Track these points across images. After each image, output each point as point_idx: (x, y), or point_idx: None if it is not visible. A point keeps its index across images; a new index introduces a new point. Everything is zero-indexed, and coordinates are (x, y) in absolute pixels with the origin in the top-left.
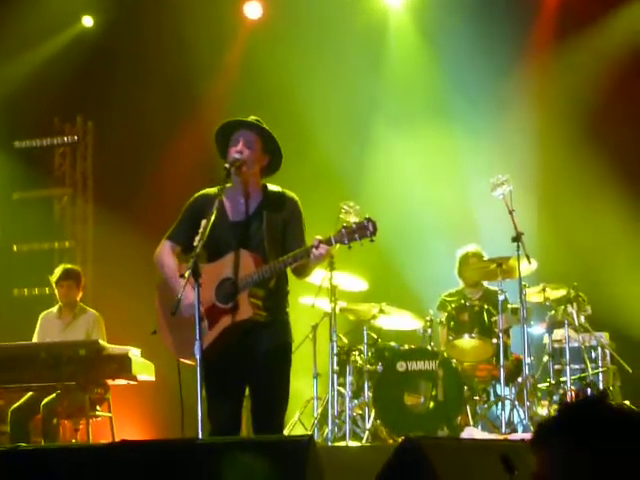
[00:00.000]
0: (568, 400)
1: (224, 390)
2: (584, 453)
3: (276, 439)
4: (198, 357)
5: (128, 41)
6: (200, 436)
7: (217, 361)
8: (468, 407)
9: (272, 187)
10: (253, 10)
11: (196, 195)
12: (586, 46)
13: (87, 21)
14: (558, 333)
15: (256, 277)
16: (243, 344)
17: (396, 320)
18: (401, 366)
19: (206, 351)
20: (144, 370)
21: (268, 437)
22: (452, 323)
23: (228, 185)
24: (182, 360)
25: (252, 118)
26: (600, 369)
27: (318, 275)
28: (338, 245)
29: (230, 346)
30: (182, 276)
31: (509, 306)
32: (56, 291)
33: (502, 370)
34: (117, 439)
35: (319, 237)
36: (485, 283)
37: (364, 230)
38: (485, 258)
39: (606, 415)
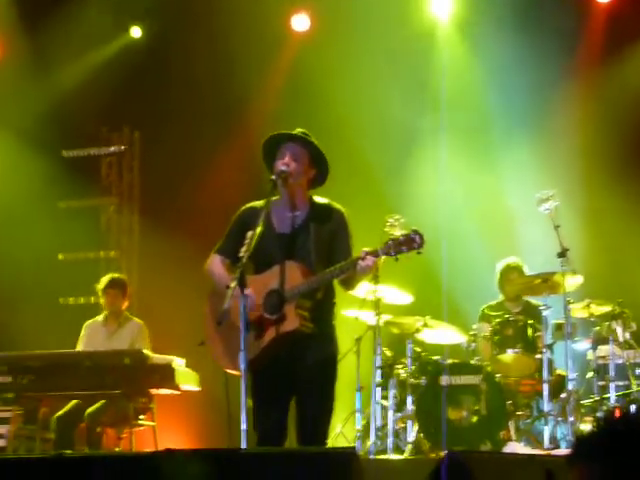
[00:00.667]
0: (606, 417)
1: (271, 400)
2: (622, 472)
3: (321, 450)
4: (242, 368)
5: (176, 52)
6: (244, 446)
7: (264, 371)
8: (511, 422)
9: (319, 199)
10: (301, 22)
11: (243, 208)
12: (634, 62)
13: (135, 32)
14: (603, 349)
15: (303, 288)
16: (290, 355)
17: (440, 334)
18: (444, 380)
19: (253, 362)
20: (188, 380)
21: (313, 448)
22: (496, 338)
23: (274, 198)
24: (228, 371)
25: (299, 131)
26: None
27: (362, 288)
28: (384, 257)
29: (278, 357)
30: (228, 287)
31: (553, 321)
32: (102, 299)
33: (546, 385)
34: (160, 448)
35: (366, 249)
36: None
37: (411, 242)
38: (525, 271)
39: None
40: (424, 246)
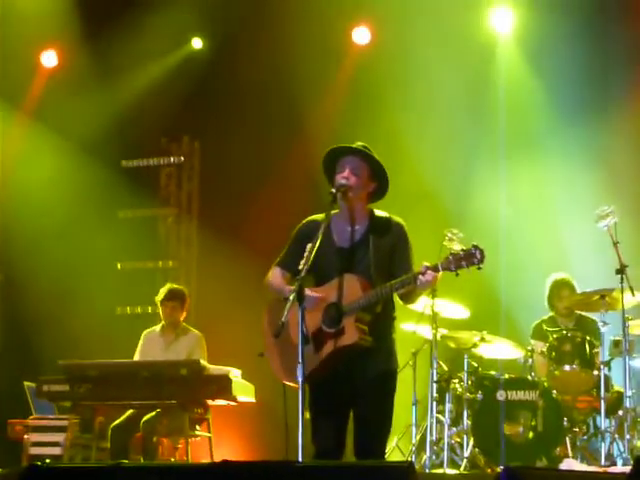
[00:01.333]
0: None
1: (329, 413)
2: None
3: (377, 464)
4: (300, 380)
5: (236, 63)
6: (300, 459)
7: (323, 384)
8: (567, 439)
9: (379, 212)
10: (362, 35)
11: (304, 221)
12: None
13: (196, 43)
14: None
15: (363, 302)
16: (349, 369)
17: (497, 349)
18: (501, 395)
19: (311, 374)
20: (244, 391)
21: (369, 462)
22: (553, 354)
23: (334, 211)
24: (287, 383)
25: (359, 144)
26: None
27: (420, 302)
28: (443, 272)
29: (336, 370)
30: (286, 299)
31: (611, 338)
32: (160, 310)
33: (603, 402)
34: (216, 459)
35: (427, 263)
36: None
37: (471, 257)
38: (575, 286)
39: None
40: (483, 261)
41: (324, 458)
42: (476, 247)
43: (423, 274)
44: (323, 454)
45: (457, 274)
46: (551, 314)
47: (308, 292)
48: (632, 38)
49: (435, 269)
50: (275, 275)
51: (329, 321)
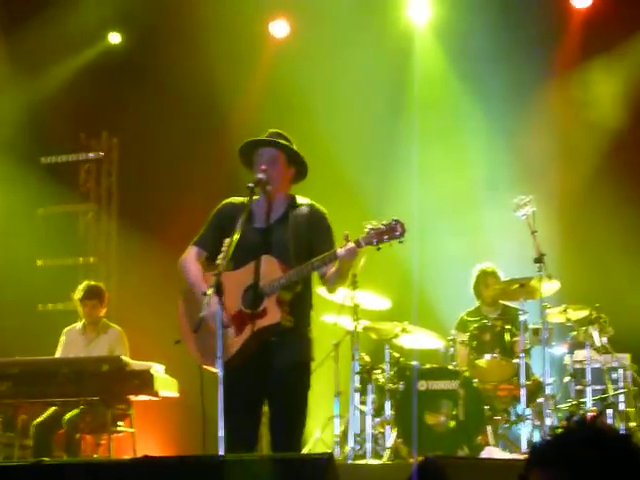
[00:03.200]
0: (566, 424)
1: (243, 405)
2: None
3: (297, 456)
4: (220, 374)
5: (154, 58)
6: (221, 452)
7: (237, 376)
8: (489, 427)
9: (300, 199)
10: (280, 28)
11: (223, 203)
12: (611, 68)
13: (114, 38)
14: (579, 354)
15: (283, 281)
16: (264, 360)
17: (418, 339)
18: (422, 385)
19: (233, 357)
20: (167, 386)
21: (289, 455)
22: (474, 343)
23: (256, 197)
24: (205, 367)
25: (272, 131)
26: (621, 390)
27: (341, 294)
28: (362, 260)
29: (251, 361)
30: (204, 294)
31: (530, 326)
32: (79, 309)
33: (523, 390)
34: (139, 455)
35: (347, 232)
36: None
37: (393, 231)
38: (501, 276)
39: (596, 444)
40: (405, 235)
41: (238, 451)
42: (397, 221)
43: (345, 248)
44: (237, 447)
45: (379, 249)
46: (477, 305)
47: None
48: (545, 26)
49: (357, 244)
50: (190, 255)
51: (250, 303)
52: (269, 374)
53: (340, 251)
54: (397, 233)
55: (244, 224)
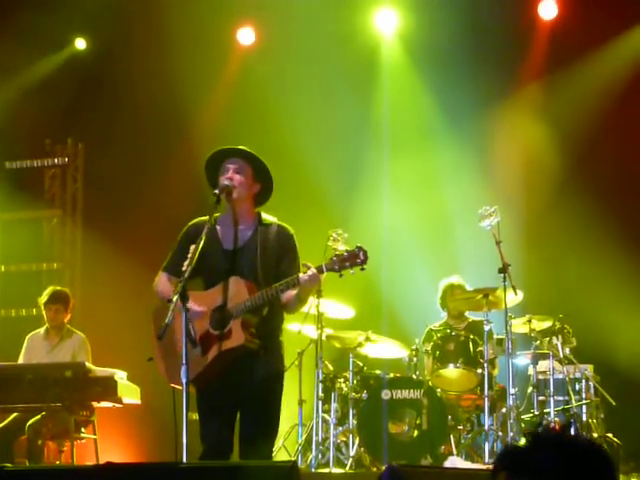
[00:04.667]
0: (533, 432)
1: (216, 414)
2: None
3: (260, 464)
4: (184, 381)
5: (121, 64)
6: (184, 459)
7: (210, 386)
8: (452, 436)
9: (267, 216)
10: (246, 36)
11: (189, 224)
12: (576, 79)
13: (80, 44)
14: (543, 364)
15: (248, 304)
16: (237, 370)
17: (382, 348)
18: (386, 394)
19: (199, 377)
20: (130, 393)
21: (253, 462)
22: (438, 352)
23: (217, 214)
24: (173, 386)
25: (241, 147)
26: (584, 401)
27: None
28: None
29: (225, 372)
30: (170, 301)
31: (494, 337)
32: (44, 313)
33: (486, 400)
34: (101, 461)
35: (309, 264)
36: (469, 314)
37: (355, 258)
38: (467, 289)
39: (565, 452)
40: (367, 262)
41: (211, 459)
42: (360, 248)
43: (307, 274)
44: (210, 455)
45: (341, 275)
46: (444, 319)
47: (191, 304)
48: (512, 38)
49: (319, 270)
50: (162, 281)
51: (216, 324)
52: (242, 384)
53: (302, 277)
54: (359, 260)
55: (212, 235)
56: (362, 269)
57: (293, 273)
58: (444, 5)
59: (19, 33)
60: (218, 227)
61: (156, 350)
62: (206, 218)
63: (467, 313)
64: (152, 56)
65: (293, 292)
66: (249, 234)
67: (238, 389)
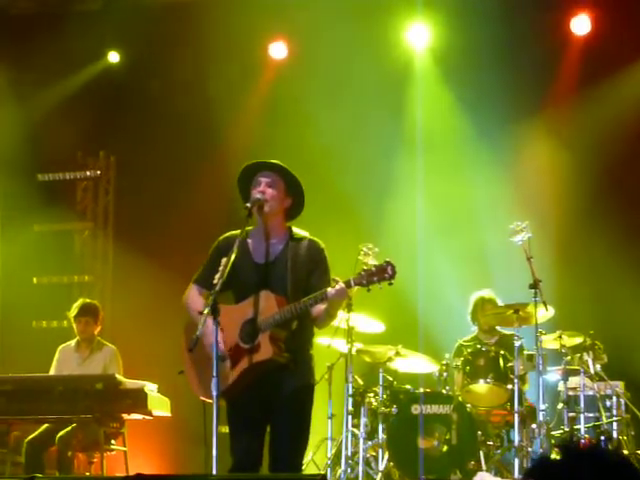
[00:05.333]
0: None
1: (246, 426)
2: None
3: (290, 477)
4: (214, 394)
5: (153, 77)
6: (214, 472)
7: (240, 398)
8: (481, 452)
9: (298, 231)
10: (279, 50)
11: (221, 238)
12: (609, 94)
13: (113, 57)
14: (573, 381)
15: (277, 317)
16: (267, 383)
17: (412, 363)
18: (416, 409)
19: (228, 390)
20: (160, 405)
21: (282, 475)
22: (468, 368)
23: (249, 228)
24: (203, 399)
25: (275, 162)
26: (614, 418)
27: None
28: (357, 287)
29: (255, 384)
30: (201, 313)
31: (525, 352)
32: (74, 326)
33: (516, 416)
34: (131, 473)
35: (338, 279)
36: (499, 328)
37: (383, 273)
38: (498, 303)
39: (599, 466)
40: (395, 277)
41: (241, 472)
42: (388, 263)
43: (335, 289)
44: (240, 468)
45: (369, 289)
46: (474, 333)
47: (221, 317)
48: (544, 54)
49: (347, 284)
50: (192, 293)
51: (245, 337)
52: (272, 397)
53: (330, 291)
54: (387, 275)
55: (243, 248)
56: (390, 284)
57: (323, 287)
58: (476, 20)
59: (52, 47)
60: (249, 240)
61: (187, 363)
62: (237, 232)
63: (498, 327)
64: (184, 69)
65: (322, 306)
66: (280, 248)
67: (268, 402)
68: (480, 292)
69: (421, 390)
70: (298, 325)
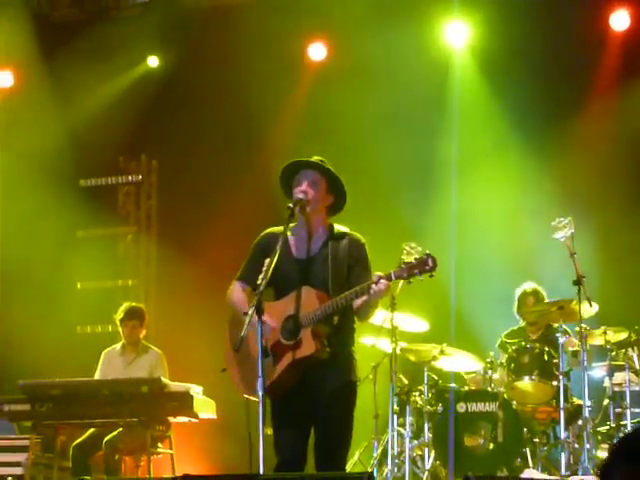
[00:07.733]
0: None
1: (290, 425)
2: None
3: (337, 475)
4: (260, 394)
5: (193, 81)
6: (262, 472)
7: (283, 397)
8: (528, 449)
9: (339, 227)
10: (318, 51)
11: (262, 234)
12: None
13: (152, 61)
14: (619, 376)
15: (319, 313)
16: (310, 380)
17: (457, 361)
18: (461, 407)
19: (271, 387)
20: (205, 408)
21: (330, 473)
22: (512, 365)
23: (292, 225)
24: (248, 397)
25: (316, 158)
26: None
27: (379, 316)
28: (401, 283)
29: (298, 382)
30: (245, 314)
31: (570, 348)
32: (120, 329)
33: (562, 412)
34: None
35: (379, 273)
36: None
37: (423, 265)
38: (544, 295)
39: None
40: (436, 269)
41: (286, 470)
42: (428, 255)
43: (376, 283)
44: (285, 466)
45: (410, 282)
46: (521, 325)
47: (265, 316)
48: (584, 48)
49: (388, 278)
50: (235, 290)
51: (287, 333)
52: (314, 394)
53: (373, 287)
54: (427, 267)
55: (284, 244)
56: (431, 276)
57: (364, 282)
58: (514, 17)
59: (93, 52)
60: (290, 236)
61: (230, 362)
62: (279, 228)
63: None
64: (224, 72)
65: (364, 298)
66: (321, 244)
67: (311, 400)
68: (524, 285)
69: (465, 388)
70: (339, 320)
